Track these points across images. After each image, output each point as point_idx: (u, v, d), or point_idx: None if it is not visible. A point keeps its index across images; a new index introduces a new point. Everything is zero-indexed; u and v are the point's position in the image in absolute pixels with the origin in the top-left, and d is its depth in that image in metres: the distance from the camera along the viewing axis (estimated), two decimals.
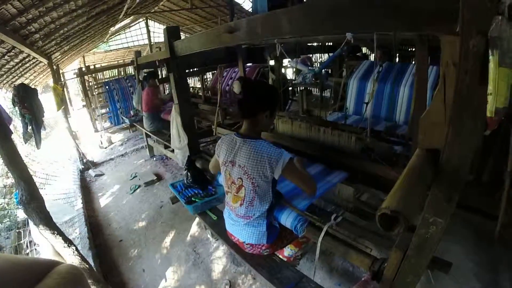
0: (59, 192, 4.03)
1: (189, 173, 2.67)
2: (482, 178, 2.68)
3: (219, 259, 2.83)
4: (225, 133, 3.16)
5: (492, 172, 2.16)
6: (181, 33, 2.80)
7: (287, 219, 1.83)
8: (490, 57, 0.77)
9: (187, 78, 8.17)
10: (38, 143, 4.23)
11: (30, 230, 2.61)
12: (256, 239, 1.81)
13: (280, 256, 2.08)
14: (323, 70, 7.29)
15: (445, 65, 0.98)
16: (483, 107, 0.83)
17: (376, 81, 2.17)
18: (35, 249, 2.55)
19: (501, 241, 2.31)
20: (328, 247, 1.73)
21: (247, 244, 1.86)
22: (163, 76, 6.71)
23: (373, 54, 4.93)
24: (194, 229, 3.31)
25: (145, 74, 5.21)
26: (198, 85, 8.24)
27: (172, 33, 2.70)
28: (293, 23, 1.39)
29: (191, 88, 7.59)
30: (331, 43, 5.29)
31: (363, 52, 7.39)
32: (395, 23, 1.08)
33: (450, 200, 1.06)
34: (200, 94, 5.90)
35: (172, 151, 3.57)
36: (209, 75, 9.01)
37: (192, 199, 2.53)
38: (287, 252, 2.13)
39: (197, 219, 3.31)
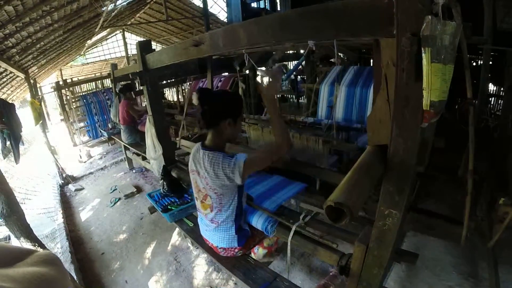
0: (40, 207, 3.98)
1: (164, 182, 2.70)
2: (458, 173, 2.81)
3: (200, 266, 2.86)
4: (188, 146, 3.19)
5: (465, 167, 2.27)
6: (158, 45, 2.83)
7: (258, 221, 1.90)
8: (423, 55, 0.84)
9: (164, 90, 8.18)
10: (17, 158, 4.21)
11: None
12: (227, 243, 1.86)
13: (261, 248, 2.12)
14: (299, 77, 7.42)
15: (385, 65, 1.05)
16: (420, 102, 0.89)
17: (339, 85, 2.24)
18: None
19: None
20: (298, 245, 1.79)
21: (220, 248, 1.91)
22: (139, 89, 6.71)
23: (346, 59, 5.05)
24: (175, 238, 3.33)
25: (122, 87, 5.18)
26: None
27: (144, 47, 2.74)
28: (249, 35, 1.47)
29: (170, 100, 7.56)
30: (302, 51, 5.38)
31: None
32: (337, 31, 1.14)
33: (401, 192, 1.12)
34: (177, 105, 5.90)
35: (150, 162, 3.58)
36: (188, 86, 8.99)
37: (169, 207, 2.55)
38: (266, 243, 2.16)
39: (177, 229, 3.33)
